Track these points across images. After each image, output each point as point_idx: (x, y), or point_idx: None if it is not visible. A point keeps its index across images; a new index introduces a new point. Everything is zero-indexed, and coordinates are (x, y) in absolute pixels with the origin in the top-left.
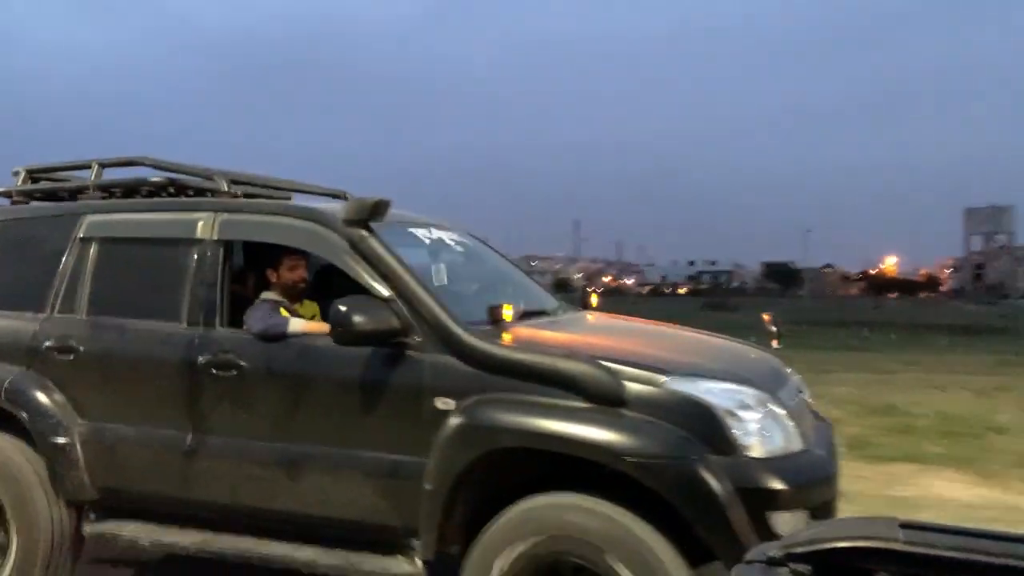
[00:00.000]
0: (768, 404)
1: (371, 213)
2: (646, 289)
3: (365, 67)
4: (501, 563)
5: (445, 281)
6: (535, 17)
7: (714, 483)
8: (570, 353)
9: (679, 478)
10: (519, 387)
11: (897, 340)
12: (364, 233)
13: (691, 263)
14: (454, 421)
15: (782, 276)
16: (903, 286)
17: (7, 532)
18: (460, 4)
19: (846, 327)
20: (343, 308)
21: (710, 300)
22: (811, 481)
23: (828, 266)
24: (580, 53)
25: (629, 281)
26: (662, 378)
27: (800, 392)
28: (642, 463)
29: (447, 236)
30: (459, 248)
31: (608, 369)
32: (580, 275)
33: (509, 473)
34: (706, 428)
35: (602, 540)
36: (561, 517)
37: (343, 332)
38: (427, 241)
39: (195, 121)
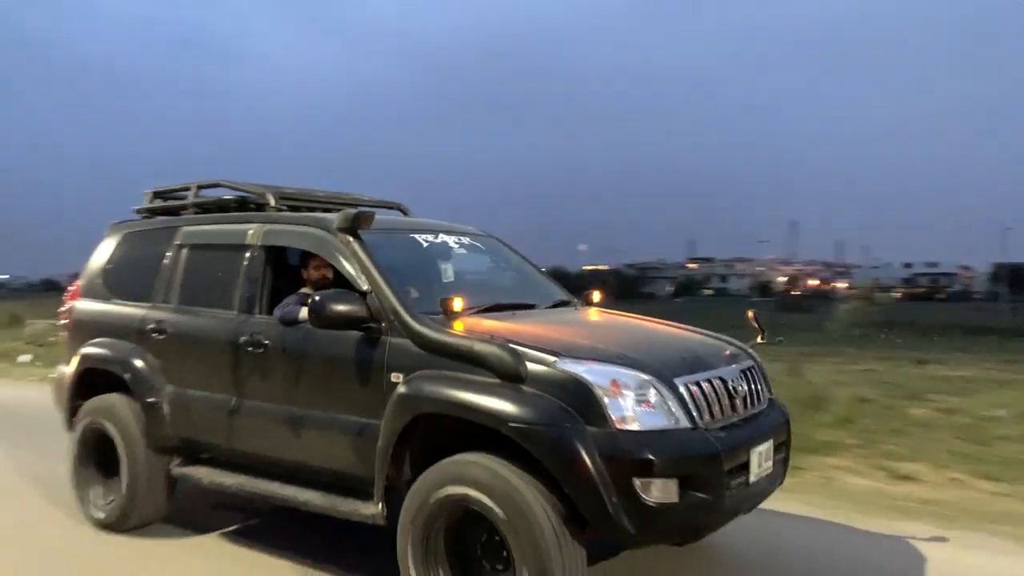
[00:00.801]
0: (652, 386)
1: (355, 223)
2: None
3: (584, 67)
4: (425, 507)
5: (451, 277)
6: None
7: (579, 449)
8: (488, 338)
9: (548, 443)
10: (448, 365)
11: None
12: (350, 239)
13: (907, 265)
14: (398, 391)
15: (1017, 278)
16: None
17: (119, 469)
18: None
19: None
20: (317, 299)
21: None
22: (680, 455)
23: None
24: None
25: (840, 284)
26: (553, 359)
27: (751, 382)
28: (520, 429)
29: (453, 240)
30: (463, 250)
31: (514, 351)
32: (784, 278)
33: (447, 435)
34: (583, 402)
35: (487, 489)
36: (463, 471)
37: (316, 317)
38: (425, 244)
39: (416, 128)
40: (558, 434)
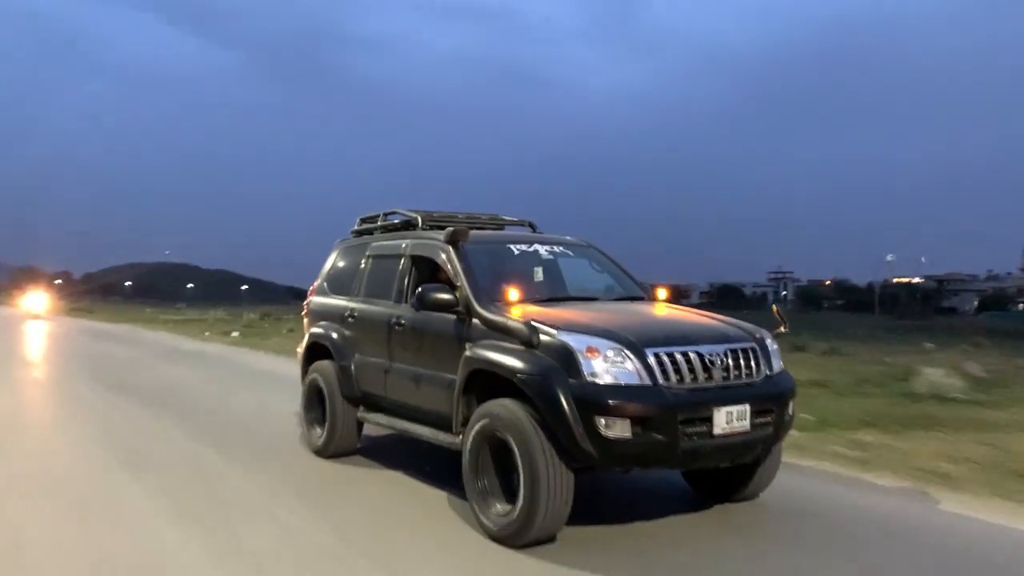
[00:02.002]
0: (622, 353)
1: (454, 237)
2: None
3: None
4: (473, 435)
5: (541, 278)
6: None
7: (558, 393)
8: (520, 318)
9: (538, 388)
10: (497, 337)
11: None
12: (451, 249)
13: None
14: (464, 355)
15: None
16: None
17: (324, 412)
18: None
19: None
20: (421, 289)
21: None
22: (633, 404)
23: None
24: None
25: None
26: (555, 332)
27: (741, 359)
28: (523, 378)
29: (545, 249)
30: (550, 257)
31: (532, 326)
32: None
33: (494, 385)
34: (566, 361)
35: (502, 423)
36: (492, 410)
37: (419, 302)
38: (517, 252)
39: (728, 138)
40: (545, 382)
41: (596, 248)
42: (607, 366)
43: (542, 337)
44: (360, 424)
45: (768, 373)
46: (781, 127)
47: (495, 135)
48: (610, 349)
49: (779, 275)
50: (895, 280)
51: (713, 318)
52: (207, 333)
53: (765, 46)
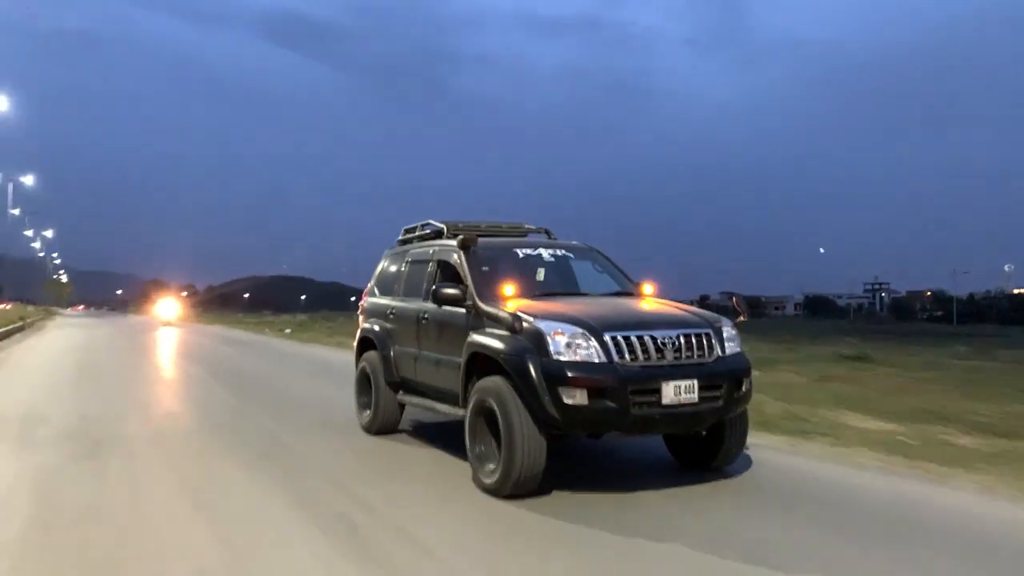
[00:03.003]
0: (582, 336)
1: (464, 243)
2: None
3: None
4: (471, 406)
5: (543, 276)
6: None
7: (530, 369)
8: (508, 309)
9: (514, 364)
10: (492, 325)
11: None
12: (461, 252)
13: None
14: (467, 341)
15: None
16: None
17: (371, 395)
18: None
19: None
20: (434, 288)
21: None
22: (588, 377)
23: None
24: None
25: None
26: (532, 319)
27: (693, 341)
28: (504, 358)
29: (548, 253)
30: (552, 259)
31: (516, 316)
32: None
33: (490, 366)
34: (537, 343)
35: (490, 395)
36: (483, 386)
37: (433, 298)
38: (521, 255)
39: (837, 147)
40: (521, 360)
41: (599, 252)
42: (570, 346)
43: (524, 324)
44: (402, 406)
45: (720, 354)
46: (896, 133)
47: (600, 146)
48: (573, 332)
49: (875, 286)
50: (1016, 291)
51: (678, 308)
52: (267, 330)
53: (880, 50)
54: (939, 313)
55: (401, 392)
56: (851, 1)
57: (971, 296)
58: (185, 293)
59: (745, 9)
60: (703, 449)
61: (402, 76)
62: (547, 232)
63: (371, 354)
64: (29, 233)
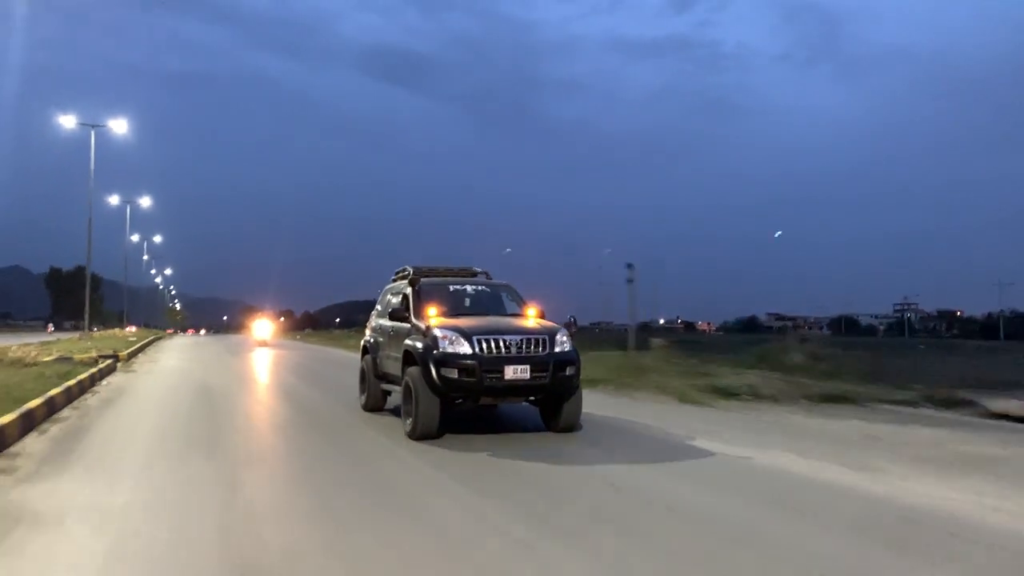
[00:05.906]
0: (461, 339)
1: (412, 282)
2: None
3: None
4: (403, 384)
5: (468, 304)
6: None
7: (428, 358)
8: (428, 323)
9: (420, 356)
10: (416, 334)
11: None
12: (411, 288)
13: None
14: (403, 344)
15: None
16: None
17: (365, 384)
18: None
19: None
20: (392, 310)
21: None
22: (458, 362)
23: None
24: None
25: None
26: (435, 327)
27: (530, 342)
28: (415, 354)
29: (471, 288)
30: (473, 292)
31: (428, 327)
32: None
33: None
34: (432, 343)
35: (410, 376)
36: (409, 371)
37: (390, 316)
38: (452, 290)
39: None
40: (424, 353)
41: (510, 287)
42: (451, 344)
43: (432, 331)
44: (385, 393)
45: (551, 351)
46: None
47: (691, 166)
48: (454, 336)
49: (904, 305)
50: None
51: (538, 322)
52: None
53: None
54: (955, 332)
55: (383, 383)
56: (952, 10)
57: (989, 315)
58: (281, 318)
59: (842, 21)
60: (555, 417)
61: (492, 103)
62: (486, 274)
63: (367, 356)
64: (152, 272)
